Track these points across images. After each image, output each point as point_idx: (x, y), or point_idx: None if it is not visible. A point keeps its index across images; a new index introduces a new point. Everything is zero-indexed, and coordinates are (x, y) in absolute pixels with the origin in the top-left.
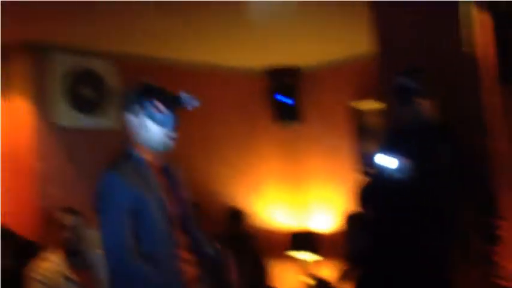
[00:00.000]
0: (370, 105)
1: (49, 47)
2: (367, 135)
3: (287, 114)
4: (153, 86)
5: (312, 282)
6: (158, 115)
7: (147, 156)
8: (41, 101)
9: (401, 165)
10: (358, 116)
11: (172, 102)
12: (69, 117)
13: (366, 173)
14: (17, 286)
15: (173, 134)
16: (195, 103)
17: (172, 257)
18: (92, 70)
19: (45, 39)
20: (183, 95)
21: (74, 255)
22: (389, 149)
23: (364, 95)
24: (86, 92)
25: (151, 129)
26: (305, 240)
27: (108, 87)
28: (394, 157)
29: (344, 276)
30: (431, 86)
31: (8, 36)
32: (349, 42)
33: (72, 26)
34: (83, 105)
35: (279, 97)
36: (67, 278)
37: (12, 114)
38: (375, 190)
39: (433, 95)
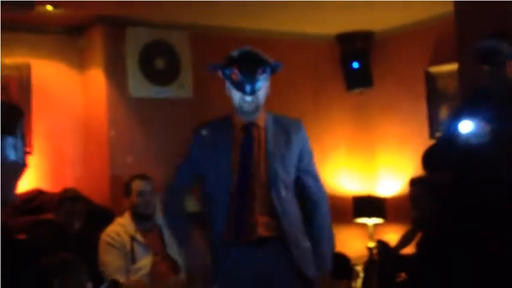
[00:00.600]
0: (444, 69)
1: (123, 20)
2: (441, 100)
3: (360, 80)
4: (232, 56)
5: (372, 244)
6: (234, 81)
7: (234, 117)
8: (116, 74)
9: (478, 130)
10: (432, 80)
11: (247, 69)
12: (142, 88)
13: (438, 137)
14: (90, 248)
15: (248, 98)
16: (277, 69)
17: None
18: (165, 42)
19: (120, 12)
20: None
21: (142, 219)
22: (467, 112)
23: (437, 59)
24: (160, 64)
25: (233, 94)
26: (371, 205)
27: (181, 58)
28: (472, 120)
29: (405, 239)
30: None
31: (83, 11)
32: (421, 4)
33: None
34: (156, 76)
35: (352, 62)
36: (134, 239)
37: (88, 86)
38: (444, 152)
39: None
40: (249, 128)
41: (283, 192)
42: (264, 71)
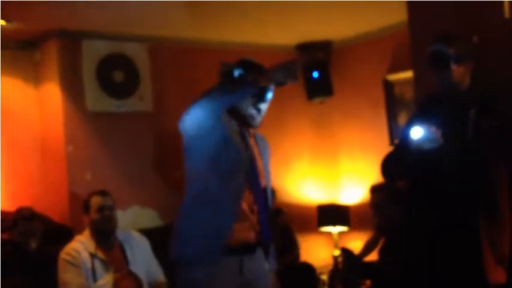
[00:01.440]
0: (402, 76)
1: (80, 33)
2: (399, 107)
3: (320, 89)
4: (248, 62)
5: (337, 252)
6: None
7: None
8: (72, 88)
9: (429, 135)
10: (389, 88)
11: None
12: (101, 102)
13: (395, 144)
14: (49, 267)
15: (263, 106)
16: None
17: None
18: (123, 54)
19: (76, 25)
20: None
21: (102, 235)
22: (419, 118)
23: (394, 67)
24: (118, 77)
25: (248, 101)
26: (335, 213)
27: (140, 70)
28: (423, 126)
29: (368, 246)
30: (467, 52)
31: (38, 24)
32: (379, 13)
33: (102, 12)
34: (115, 89)
35: (312, 72)
36: (94, 257)
37: (44, 101)
38: (398, 159)
39: (468, 61)
40: (245, 135)
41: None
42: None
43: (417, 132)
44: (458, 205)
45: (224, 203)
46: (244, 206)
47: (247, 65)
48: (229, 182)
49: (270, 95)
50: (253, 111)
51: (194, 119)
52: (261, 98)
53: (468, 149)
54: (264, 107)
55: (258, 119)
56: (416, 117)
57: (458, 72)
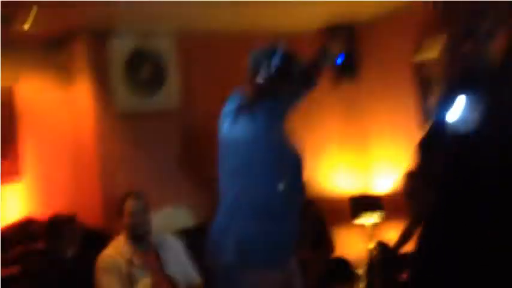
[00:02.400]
0: (431, 55)
1: (106, 30)
2: (430, 88)
3: (346, 72)
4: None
5: (372, 246)
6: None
7: None
8: (102, 87)
9: (467, 116)
10: (419, 68)
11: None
12: (129, 101)
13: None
14: (86, 274)
15: None
16: None
17: None
18: (150, 50)
19: (102, 23)
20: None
21: (137, 239)
22: (452, 98)
23: (423, 46)
24: (146, 73)
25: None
26: (367, 204)
27: (168, 65)
28: (459, 108)
29: (404, 236)
30: (500, 26)
31: (66, 23)
32: None
33: (129, 8)
34: (142, 86)
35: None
36: (130, 262)
37: (74, 102)
38: (433, 143)
39: (501, 36)
40: None
41: None
42: None
43: (454, 114)
44: (495, 187)
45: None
46: None
47: (280, 53)
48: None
49: None
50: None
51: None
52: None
53: (506, 128)
54: None
55: None
56: (449, 98)
57: (493, 48)
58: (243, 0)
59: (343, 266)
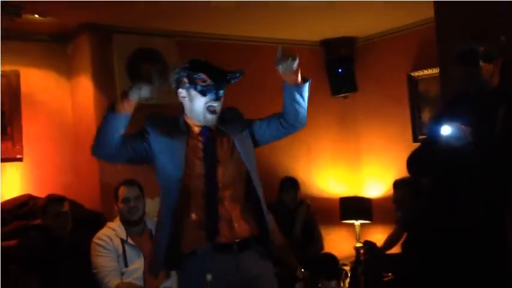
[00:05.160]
0: (426, 73)
1: (111, 28)
2: (423, 104)
3: (344, 85)
4: (199, 60)
5: (359, 245)
6: (200, 85)
7: (188, 120)
8: (104, 80)
9: (458, 132)
10: (414, 84)
11: (216, 75)
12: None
13: (421, 141)
14: (81, 252)
15: (215, 105)
16: (238, 76)
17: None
18: (152, 48)
19: (107, 20)
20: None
21: (131, 224)
22: (447, 115)
23: (419, 64)
24: (148, 71)
25: (195, 99)
26: (358, 206)
27: (169, 65)
28: (453, 124)
29: (391, 240)
30: (496, 50)
31: (70, 19)
32: (404, 10)
33: (133, 7)
34: (144, 83)
35: (336, 68)
36: (125, 242)
37: (76, 93)
38: (425, 156)
39: (497, 60)
40: (206, 132)
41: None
42: (230, 79)
43: (446, 130)
44: (485, 203)
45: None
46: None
47: (203, 68)
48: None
49: (218, 94)
50: (206, 110)
51: None
52: (213, 96)
53: (496, 147)
54: (217, 104)
55: (213, 115)
56: (444, 115)
57: (488, 70)
58: (247, 6)
59: (331, 262)
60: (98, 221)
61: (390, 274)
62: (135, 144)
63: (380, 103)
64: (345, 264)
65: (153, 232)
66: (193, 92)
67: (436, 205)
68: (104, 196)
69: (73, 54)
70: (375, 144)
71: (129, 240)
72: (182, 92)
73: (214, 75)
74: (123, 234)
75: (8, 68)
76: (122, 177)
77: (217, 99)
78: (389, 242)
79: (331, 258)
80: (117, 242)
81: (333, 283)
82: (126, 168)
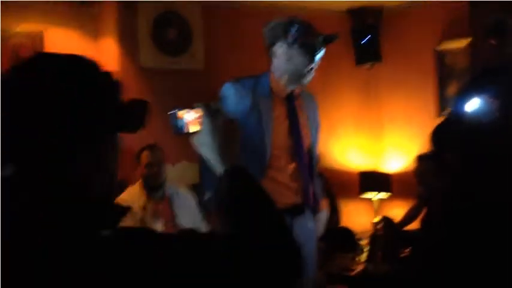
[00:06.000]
0: (454, 45)
1: None
2: (450, 78)
3: (369, 55)
4: (299, 20)
5: (377, 219)
6: (307, 43)
7: (274, 83)
8: (128, 43)
9: (485, 106)
10: (440, 57)
11: (316, 36)
12: (154, 59)
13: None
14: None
15: (314, 66)
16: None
17: (259, 172)
18: (177, 13)
19: None
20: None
21: (151, 189)
22: (474, 89)
23: (446, 36)
24: (172, 35)
25: (297, 58)
26: (377, 180)
27: (193, 29)
28: (480, 98)
29: (410, 215)
30: None
31: None
32: None
33: None
34: (168, 47)
35: (362, 37)
36: (145, 208)
37: (101, 56)
38: (450, 130)
39: None
40: (292, 98)
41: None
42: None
43: (473, 104)
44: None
45: None
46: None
47: (297, 24)
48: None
49: (318, 56)
50: (302, 71)
51: None
52: (313, 55)
53: None
54: (314, 66)
55: (307, 77)
56: (471, 88)
57: None
58: None
59: (348, 236)
60: (119, 185)
61: (408, 250)
62: None
63: (405, 75)
64: (361, 239)
65: (172, 199)
66: (296, 50)
67: (460, 180)
68: (125, 160)
69: (99, 16)
70: (398, 117)
71: (149, 206)
72: (278, 51)
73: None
74: (142, 199)
75: (31, 28)
76: (144, 142)
77: (317, 62)
78: (409, 217)
79: (348, 233)
80: (137, 207)
81: (349, 256)
82: (147, 132)
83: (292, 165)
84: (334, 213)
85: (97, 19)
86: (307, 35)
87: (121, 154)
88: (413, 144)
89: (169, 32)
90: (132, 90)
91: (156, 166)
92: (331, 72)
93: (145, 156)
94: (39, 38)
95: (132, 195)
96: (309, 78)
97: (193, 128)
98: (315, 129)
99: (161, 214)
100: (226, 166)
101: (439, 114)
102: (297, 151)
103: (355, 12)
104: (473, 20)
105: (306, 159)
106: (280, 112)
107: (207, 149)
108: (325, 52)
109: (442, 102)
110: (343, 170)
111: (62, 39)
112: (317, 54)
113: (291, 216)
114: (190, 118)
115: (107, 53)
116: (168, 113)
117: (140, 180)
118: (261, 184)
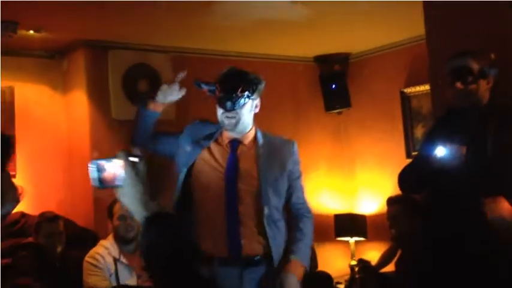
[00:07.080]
0: (419, 89)
1: (106, 43)
2: (416, 120)
3: (338, 101)
4: (220, 74)
5: (354, 262)
6: (217, 97)
7: (224, 132)
8: (99, 96)
9: (452, 152)
10: (406, 100)
11: (229, 86)
12: (125, 110)
13: (414, 158)
14: (74, 270)
15: (229, 114)
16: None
17: (215, 216)
18: (147, 64)
19: (103, 35)
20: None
21: (124, 242)
22: (439, 132)
23: (412, 80)
24: (142, 86)
25: (217, 110)
26: (352, 223)
27: (163, 80)
28: (447, 145)
29: (386, 257)
30: (489, 67)
31: (66, 35)
32: (396, 27)
33: (128, 23)
34: (138, 99)
35: (330, 84)
36: (118, 261)
37: (72, 108)
38: (417, 172)
39: (490, 77)
40: (235, 144)
41: (275, 215)
42: (245, 90)
43: (441, 151)
44: (478, 219)
45: None
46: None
47: (219, 79)
48: None
49: (233, 105)
50: (223, 119)
51: None
52: (223, 107)
53: (488, 164)
54: (230, 115)
55: (229, 124)
56: (436, 132)
57: (482, 87)
58: (242, 22)
59: (326, 280)
60: (91, 238)
61: None
62: (166, 139)
63: (374, 119)
64: (340, 283)
65: None
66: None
67: (430, 221)
68: (97, 213)
69: (68, 70)
70: (368, 161)
71: (122, 259)
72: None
73: (226, 86)
74: (115, 252)
75: (2, 83)
76: (115, 194)
77: (230, 109)
78: (384, 260)
79: (326, 277)
80: (110, 260)
81: None
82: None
83: (223, 211)
84: (311, 257)
85: (66, 73)
86: (223, 86)
87: (94, 207)
88: (385, 186)
89: (140, 84)
90: (104, 142)
91: (129, 218)
92: (301, 118)
93: (117, 208)
94: (9, 93)
95: (104, 248)
96: (228, 125)
97: (113, 182)
98: (285, 175)
99: (135, 267)
100: (147, 213)
101: (408, 156)
102: (228, 197)
103: (322, 60)
104: (433, 64)
105: (248, 205)
106: (219, 156)
107: (128, 199)
108: (295, 99)
109: (410, 143)
110: (318, 213)
111: (32, 94)
112: (227, 102)
113: (219, 263)
114: (113, 169)
115: (77, 106)
116: (88, 164)
117: (112, 234)
118: (182, 231)
